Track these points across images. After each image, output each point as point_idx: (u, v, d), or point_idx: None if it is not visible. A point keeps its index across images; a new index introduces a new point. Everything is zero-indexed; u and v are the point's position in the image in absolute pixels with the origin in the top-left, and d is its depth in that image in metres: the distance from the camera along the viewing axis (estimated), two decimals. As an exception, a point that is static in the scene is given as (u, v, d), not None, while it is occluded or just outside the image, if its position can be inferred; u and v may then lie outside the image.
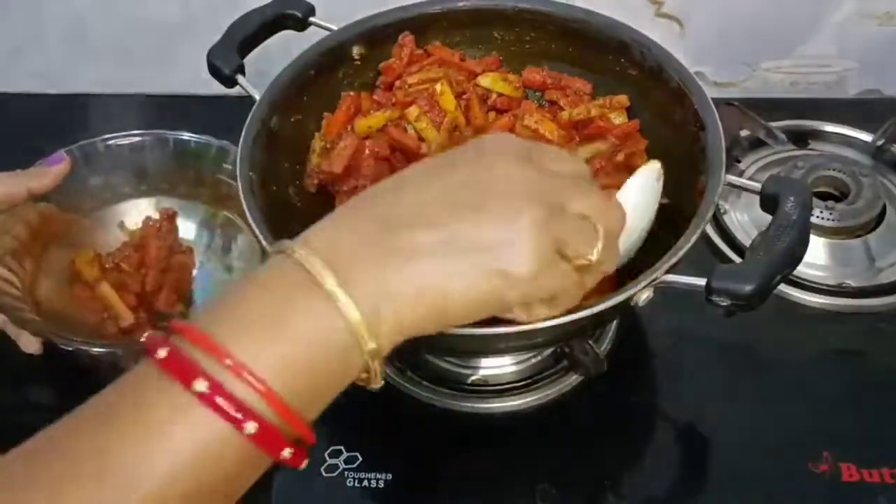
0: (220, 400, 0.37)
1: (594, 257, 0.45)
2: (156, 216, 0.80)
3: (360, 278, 0.41)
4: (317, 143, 0.70)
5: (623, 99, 0.70)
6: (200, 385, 0.37)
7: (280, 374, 0.39)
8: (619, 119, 0.70)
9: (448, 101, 0.70)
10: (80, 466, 0.37)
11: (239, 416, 0.38)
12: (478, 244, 0.43)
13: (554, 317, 0.48)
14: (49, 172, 0.73)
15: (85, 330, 0.72)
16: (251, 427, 0.38)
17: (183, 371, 0.38)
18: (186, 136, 0.81)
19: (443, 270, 0.42)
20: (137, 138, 0.80)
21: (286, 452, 0.40)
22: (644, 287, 0.53)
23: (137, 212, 0.81)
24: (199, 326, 0.40)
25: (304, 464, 0.41)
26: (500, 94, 0.72)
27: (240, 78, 0.69)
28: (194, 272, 0.79)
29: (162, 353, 0.39)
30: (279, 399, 0.39)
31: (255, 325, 0.40)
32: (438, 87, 0.69)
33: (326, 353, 0.41)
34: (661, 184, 0.56)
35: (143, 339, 0.41)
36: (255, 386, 0.38)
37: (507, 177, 0.44)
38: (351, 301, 0.40)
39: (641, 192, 0.54)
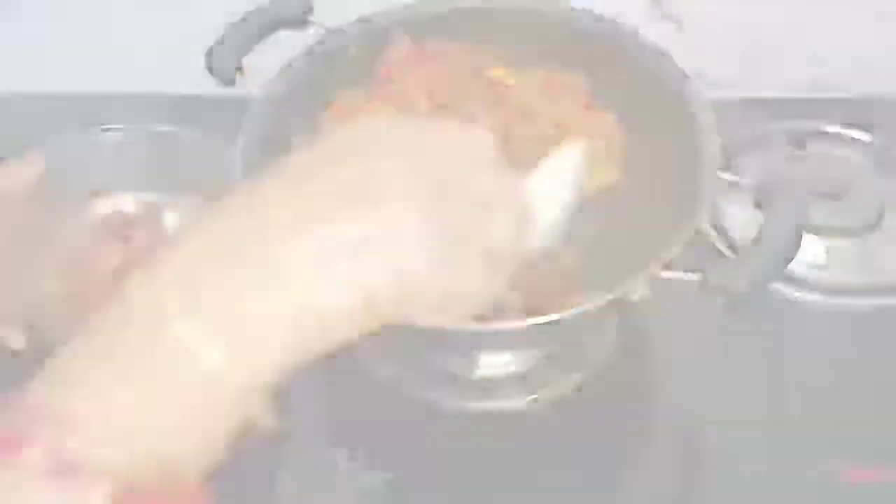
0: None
1: (507, 237, 0.40)
2: (136, 210, 0.79)
3: (213, 314, 0.34)
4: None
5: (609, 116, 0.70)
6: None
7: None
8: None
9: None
10: None
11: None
12: (358, 247, 0.35)
13: (466, 317, 0.40)
14: (27, 167, 0.71)
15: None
16: None
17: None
18: (163, 128, 0.82)
19: (317, 289, 0.35)
20: (114, 133, 0.83)
21: None
22: (638, 283, 0.53)
23: (118, 206, 0.80)
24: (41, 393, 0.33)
25: None
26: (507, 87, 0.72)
27: (239, 77, 0.69)
28: None
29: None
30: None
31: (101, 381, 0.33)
32: None
33: (186, 409, 0.34)
34: (583, 166, 0.48)
35: None
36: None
37: (390, 172, 0.37)
38: (206, 343, 0.33)
39: (559, 173, 0.48)
